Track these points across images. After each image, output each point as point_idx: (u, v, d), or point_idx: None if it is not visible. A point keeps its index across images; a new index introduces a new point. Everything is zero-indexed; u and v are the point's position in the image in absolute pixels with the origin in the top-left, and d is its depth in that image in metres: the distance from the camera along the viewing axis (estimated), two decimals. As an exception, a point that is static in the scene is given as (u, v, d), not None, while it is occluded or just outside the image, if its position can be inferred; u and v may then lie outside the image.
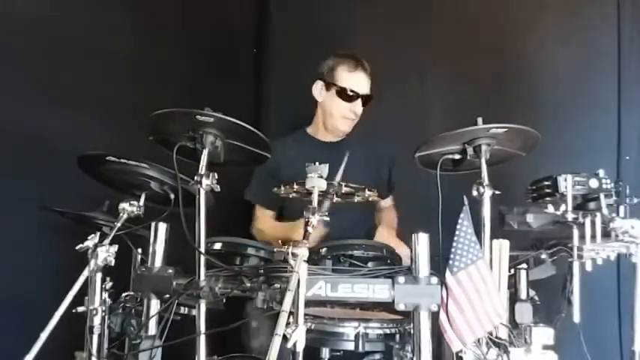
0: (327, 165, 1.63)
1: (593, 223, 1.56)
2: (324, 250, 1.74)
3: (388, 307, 1.61)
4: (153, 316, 1.69)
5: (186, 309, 1.78)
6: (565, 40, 2.89)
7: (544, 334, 1.57)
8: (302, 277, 1.34)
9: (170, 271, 1.70)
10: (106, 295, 1.67)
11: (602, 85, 2.84)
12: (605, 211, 1.59)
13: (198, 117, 1.54)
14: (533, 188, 1.73)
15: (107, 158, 1.71)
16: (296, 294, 1.31)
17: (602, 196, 1.61)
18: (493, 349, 1.55)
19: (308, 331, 1.39)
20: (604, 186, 1.62)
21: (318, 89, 2.49)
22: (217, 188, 1.58)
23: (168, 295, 1.67)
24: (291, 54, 3.24)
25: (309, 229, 1.49)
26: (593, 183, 1.62)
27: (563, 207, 1.60)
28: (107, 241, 1.60)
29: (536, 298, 1.69)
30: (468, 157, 1.64)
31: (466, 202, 1.55)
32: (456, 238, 1.53)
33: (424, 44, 3.09)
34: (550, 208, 1.61)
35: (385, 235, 2.35)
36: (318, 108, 2.54)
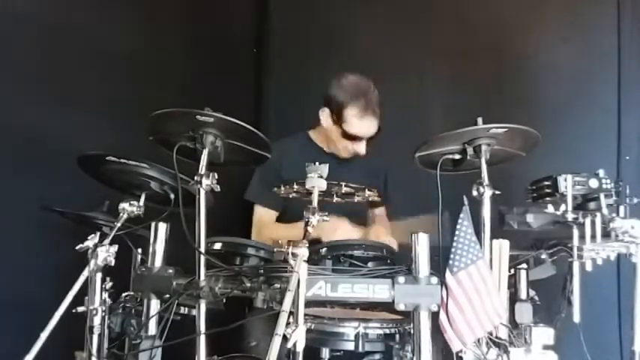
0: (327, 165, 1.63)
1: (593, 223, 1.56)
2: (324, 250, 1.74)
3: (388, 307, 1.61)
4: (153, 316, 1.69)
5: (186, 309, 1.78)
6: (565, 40, 2.89)
7: (544, 334, 1.57)
8: (302, 277, 1.34)
9: (170, 271, 1.70)
10: (106, 295, 1.66)
11: (602, 85, 2.84)
12: (605, 211, 1.59)
13: (198, 117, 1.54)
14: (533, 188, 1.73)
15: (107, 158, 1.71)
16: (296, 294, 1.31)
17: (602, 196, 1.61)
18: (493, 349, 1.55)
19: (308, 331, 1.39)
20: (604, 186, 1.62)
21: (324, 117, 2.40)
22: (217, 188, 1.58)
23: (168, 295, 1.67)
24: (291, 54, 3.24)
25: (309, 229, 1.50)
26: (593, 183, 1.62)
27: (563, 207, 1.60)
28: (107, 241, 1.60)
29: (536, 298, 1.69)
30: (468, 157, 1.64)
31: (466, 202, 1.55)
32: (455, 238, 1.53)
33: (424, 44, 3.09)
34: (550, 208, 1.61)
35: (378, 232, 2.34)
36: (322, 127, 2.46)
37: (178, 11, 2.94)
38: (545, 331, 1.58)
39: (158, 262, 1.73)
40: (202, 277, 1.57)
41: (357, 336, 1.64)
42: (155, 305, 1.71)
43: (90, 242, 1.58)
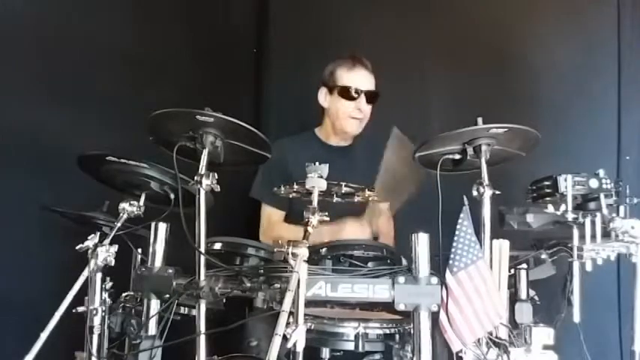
0: (327, 165, 1.63)
1: (593, 223, 1.56)
2: (324, 250, 1.74)
3: (388, 306, 1.61)
4: (153, 316, 1.69)
5: (186, 309, 1.78)
6: (565, 40, 2.89)
7: (544, 334, 1.57)
8: (302, 277, 1.34)
9: (170, 271, 1.70)
10: (106, 295, 1.67)
11: (602, 85, 2.84)
12: (605, 211, 1.59)
13: (198, 117, 1.54)
14: (533, 188, 1.73)
15: (107, 158, 1.71)
16: (296, 294, 1.31)
17: (602, 196, 1.61)
18: (493, 349, 1.55)
19: (308, 331, 1.39)
20: (604, 186, 1.62)
21: (322, 95, 2.47)
22: (217, 188, 1.58)
23: (168, 295, 1.67)
24: (291, 54, 3.24)
25: (309, 229, 1.50)
26: (593, 183, 1.62)
27: (563, 207, 1.60)
28: (107, 241, 1.60)
29: (536, 298, 1.69)
30: (468, 157, 1.63)
31: (466, 202, 1.55)
32: (455, 238, 1.53)
33: (424, 44, 3.09)
34: (550, 208, 1.61)
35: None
36: (325, 114, 2.52)
37: (178, 11, 2.94)
38: (545, 331, 1.58)
39: (158, 262, 1.73)
40: (202, 277, 1.57)
41: (357, 336, 1.64)
42: (155, 305, 1.71)
43: (90, 242, 1.59)
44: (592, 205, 1.61)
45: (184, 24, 2.96)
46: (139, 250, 1.85)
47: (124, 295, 1.80)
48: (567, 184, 1.61)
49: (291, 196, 1.74)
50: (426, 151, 1.68)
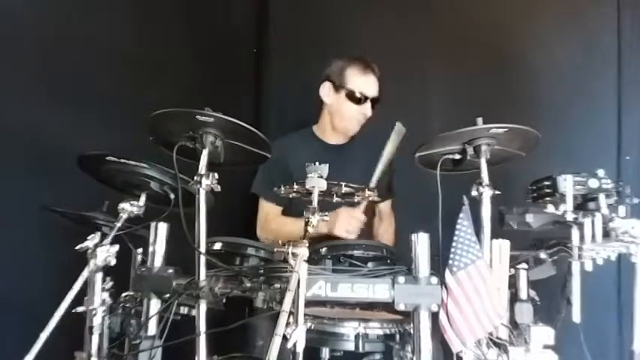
0: (327, 165, 1.63)
1: (593, 223, 1.56)
2: (324, 250, 1.75)
3: (388, 306, 1.61)
4: (153, 316, 1.69)
5: (186, 309, 1.78)
6: (565, 40, 2.89)
7: (544, 334, 1.57)
8: (302, 277, 1.34)
9: (170, 271, 1.70)
10: (106, 295, 1.67)
11: (602, 85, 2.84)
12: (605, 211, 1.59)
13: (198, 117, 1.54)
14: (533, 188, 1.73)
15: (107, 158, 1.71)
16: (296, 294, 1.31)
17: (602, 196, 1.61)
18: (493, 349, 1.55)
19: (308, 331, 1.39)
20: (604, 186, 1.61)
21: (325, 90, 2.47)
22: (217, 188, 1.58)
23: (168, 295, 1.67)
24: (291, 54, 3.24)
25: (309, 229, 1.50)
26: (593, 183, 1.61)
27: (563, 207, 1.60)
28: (107, 241, 1.61)
29: (536, 298, 1.69)
30: (468, 157, 1.64)
31: (466, 202, 1.55)
32: (455, 238, 1.53)
33: (424, 44, 3.09)
34: (550, 208, 1.61)
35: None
36: (325, 109, 2.53)
37: (178, 11, 2.94)
38: (545, 331, 1.57)
39: (158, 262, 1.73)
40: (202, 277, 1.57)
41: (357, 336, 1.64)
42: (155, 305, 1.71)
43: (90, 242, 1.59)
44: (592, 205, 1.61)
45: (184, 24, 2.96)
46: (139, 250, 1.85)
47: (124, 295, 1.80)
48: (567, 184, 1.61)
49: (291, 196, 1.74)
50: (426, 151, 1.68)
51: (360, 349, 1.64)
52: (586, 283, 1.59)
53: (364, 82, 2.41)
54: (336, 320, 1.67)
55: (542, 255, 1.71)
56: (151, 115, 1.60)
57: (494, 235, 1.61)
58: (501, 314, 1.55)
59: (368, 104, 2.41)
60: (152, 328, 1.69)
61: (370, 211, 2.44)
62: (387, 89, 2.52)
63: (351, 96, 2.40)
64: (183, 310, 1.77)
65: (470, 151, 1.63)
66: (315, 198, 1.58)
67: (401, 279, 1.54)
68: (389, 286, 1.55)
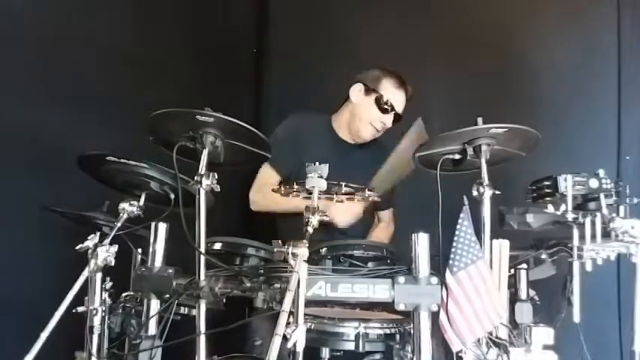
0: (327, 165, 1.63)
1: (593, 223, 1.56)
2: (324, 250, 1.75)
3: (388, 306, 1.61)
4: (153, 316, 1.69)
5: (186, 309, 1.78)
6: (565, 40, 2.89)
7: (544, 334, 1.57)
8: (302, 277, 1.34)
9: (170, 271, 1.70)
10: (106, 295, 1.67)
11: (602, 85, 2.84)
12: (605, 211, 1.58)
13: (198, 117, 1.54)
14: (533, 188, 1.73)
15: (107, 158, 1.70)
16: (296, 294, 1.31)
17: (602, 196, 1.61)
18: (493, 349, 1.55)
19: (308, 331, 1.39)
20: (604, 186, 1.62)
21: (356, 91, 2.50)
22: (217, 188, 1.58)
23: (168, 295, 1.67)
24: (291, 54, 3.24)
25: (309, 229, 1.50)
26: (593, 183, 1.62)
27: (563, 207, 1.60)
28: (107, 241, 1.60)
29: (536, 298, 1.69)
30: (468, 157, 1.63)
31: (466, 202, 1.55)
32: (455, 238, 1.53)
33: (424, 44, 3.09)
34: (550, 208, 1.61)
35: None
36: (348, 106, 2.54)
37: (178, 11, 2.94)
38: (545, 331, 1.57)
39: (158, 262, 1.73)
40: (202, 277, 1.57)
41: (357, 336, 1.64)
42: (155, 305, 1.71)
43: (90, 242, 1.58)
44: (592, 205, 1.61)
45: (184, 24, 2.96)
46: (139, 250, 1.85)
47: (124, 295, 1.80)
48: (567, 184, 1.61)
49: (291, 196, 1.74)
50: (426, 151, 1.68)
51: (360, 349, 1.64)
52: (586, 283, 1.59)
53: (395, 95, 2.45)
54: (336, 320, 1.67)
55: (542, 255, 1.71)
56: (151, 115, 1.60)
57: (495, 235, 1.61)
58: (501, 314, 1.55)
59: (390, 116, 2.45)
60: (152, 328, 1.69)
61: (370, 207, 2.44)
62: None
63: (379, 101, 2.43)
64: (183, 310, 1.78)
65: (470, 151, 1.63)
66: (315, 198, 1.58)
67: (401, 279, 1.54)
68: (389, 286, 1.55)
